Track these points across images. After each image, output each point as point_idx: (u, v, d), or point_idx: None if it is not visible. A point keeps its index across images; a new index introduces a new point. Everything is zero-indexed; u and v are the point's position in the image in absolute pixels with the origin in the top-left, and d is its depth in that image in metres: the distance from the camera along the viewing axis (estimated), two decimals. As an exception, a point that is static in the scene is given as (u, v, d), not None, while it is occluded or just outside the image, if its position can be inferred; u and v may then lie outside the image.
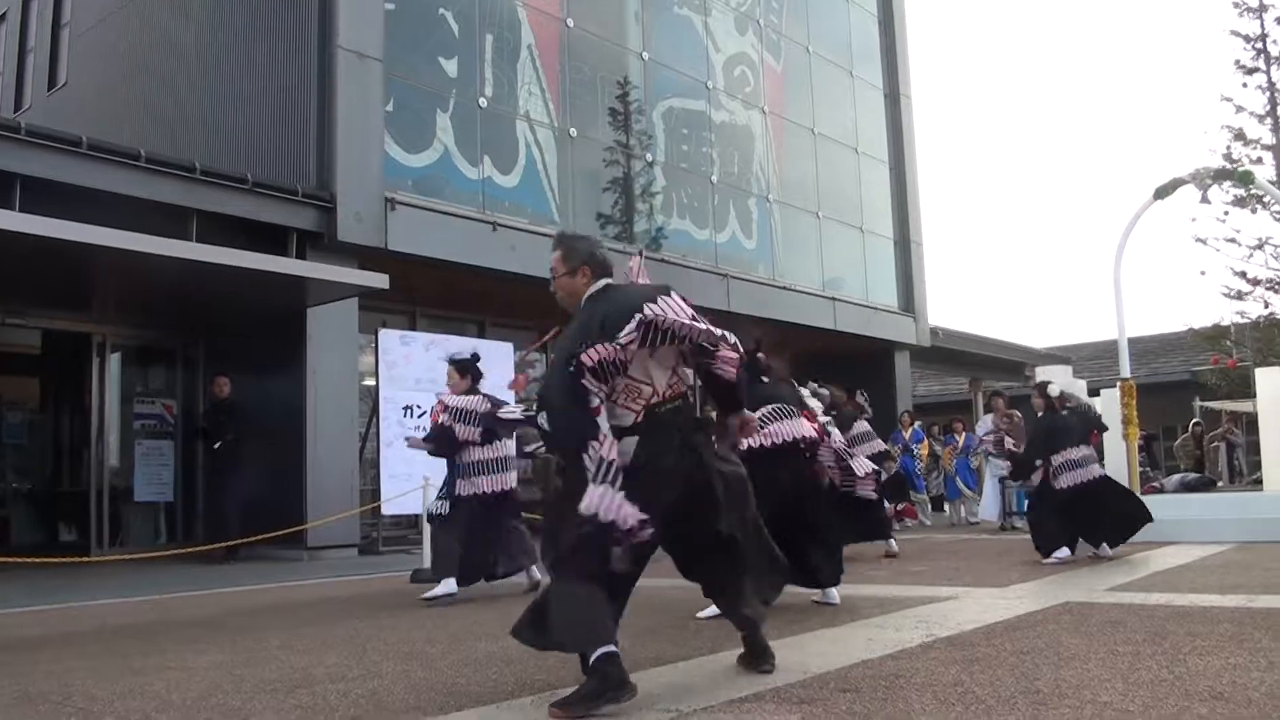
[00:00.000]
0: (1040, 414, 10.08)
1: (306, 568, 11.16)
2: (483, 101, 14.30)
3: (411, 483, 10.91)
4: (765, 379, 6.80)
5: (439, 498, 8.16)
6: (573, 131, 15.60)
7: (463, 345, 13.17)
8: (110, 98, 16.41)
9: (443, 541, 7.92)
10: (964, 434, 17.48)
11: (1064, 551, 9.34)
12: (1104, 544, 9.61)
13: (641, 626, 4.52)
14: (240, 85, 13.78)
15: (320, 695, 4.24)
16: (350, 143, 12.51)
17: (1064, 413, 9.93)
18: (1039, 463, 9.83)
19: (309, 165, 12.55)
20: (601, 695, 3.71)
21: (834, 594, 6.76)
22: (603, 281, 4.22)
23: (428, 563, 9.25)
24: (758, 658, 4.41)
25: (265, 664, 5.08)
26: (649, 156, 16.94)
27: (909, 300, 22.63)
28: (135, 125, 14.92)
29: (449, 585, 7.64)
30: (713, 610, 5.77)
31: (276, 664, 5.07)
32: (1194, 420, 22.03)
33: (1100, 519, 9.60)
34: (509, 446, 8.11)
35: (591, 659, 3.78)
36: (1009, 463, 11.25)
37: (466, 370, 8.15)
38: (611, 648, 3.79)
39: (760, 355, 6.82)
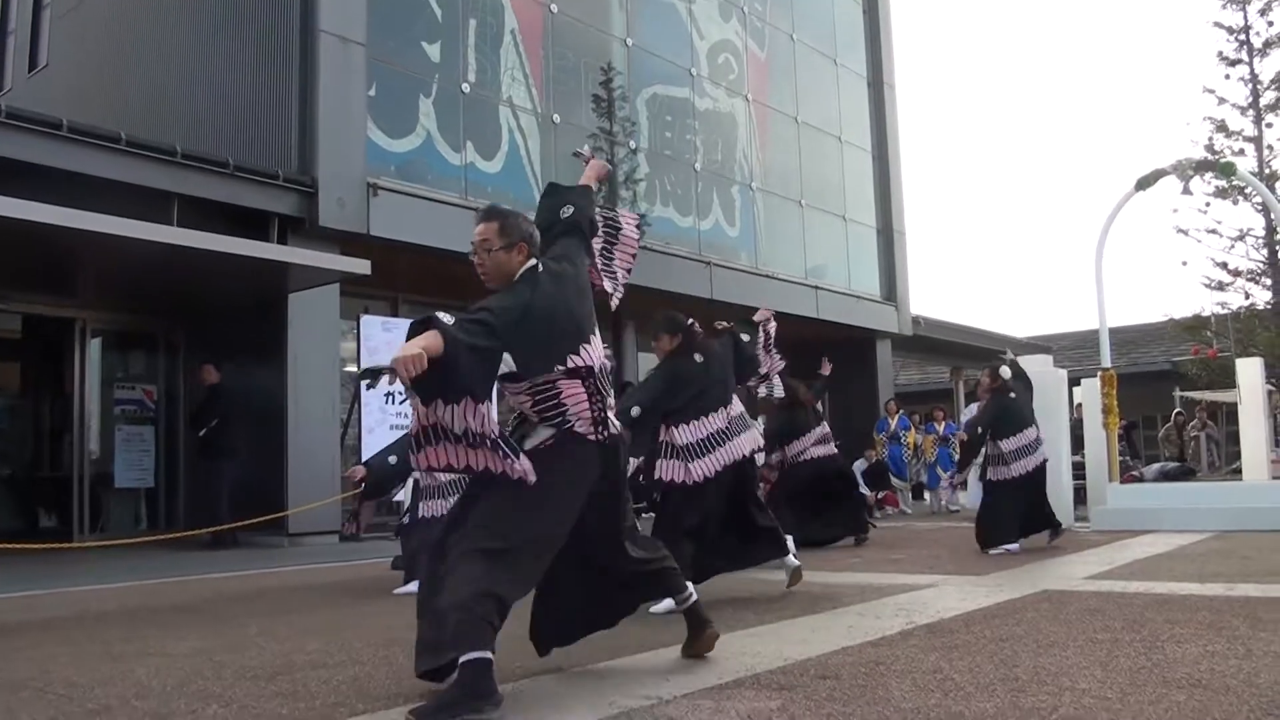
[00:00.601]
0: (988, 396, 10.04)
1: (287, 554, 11.14)
2: (466, 87, 14.25)
3: (393, 469, 10.88)
4: (698, 356, 6.76)
5: (406, 510, 8.10)
6: (556, 118, 15.57)
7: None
8: (91, 80, 16.31)
9: (412, 544, 7.90)
10: (944, 422, 17.55)
11: (1013, 545, 9.37)
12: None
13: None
14: (222, 69, 13.70)
15: (301, 682, 4.24)
16: (332, 127, 12.45)
17: (1011, 396, 9.86)
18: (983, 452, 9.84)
19: (291, 150, 12.49)
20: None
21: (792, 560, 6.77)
22: (532, 261, 4.02)
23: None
24: (699, 628, 4.45)
25: (246, 650, 5.07)
26: (632, 143, 16.92)
27: (891, 289, 22.68)
28: (116, 108, 14.83)
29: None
30: (667, 604, 5.81)
31: (257, 650, 5.06)
32: (1175, 410, 22.16)
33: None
34: None
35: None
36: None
37: None
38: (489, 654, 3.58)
39: (694, 326, 6.78)
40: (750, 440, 6.74)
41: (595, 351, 4.02)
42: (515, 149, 14.92)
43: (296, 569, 9.68)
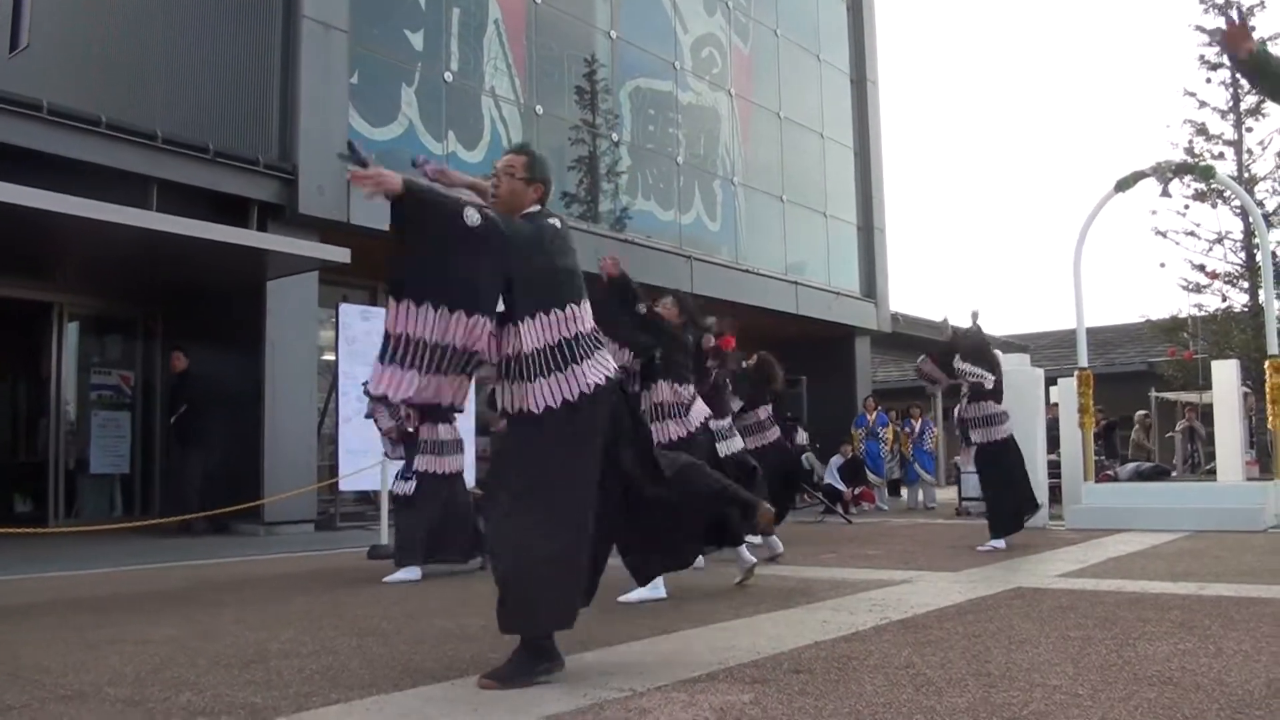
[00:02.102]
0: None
1: (263, 542, 11.11)
2: (448, 76, 14.21)
3: (369, 459, 10.87)
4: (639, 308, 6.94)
5: (401, 477, 8.13)
6: (539, 109, 15.54)
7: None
8: (72, 62, 16.20)
9: (407, 525, 7.90)
10: (920, 419, 17.63)
11: (1000, 542, 9.43)
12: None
13: (596, 606, 4.54)
14: (204, 54, 13.63)
15: (274, 671, 4.23)
16: (313, 114, 12.40)
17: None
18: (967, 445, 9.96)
19: (271, 136, 12.44)
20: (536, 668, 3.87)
21: (747, 555, 6.85)
22: (540, 207, 4.22)
23: (385, 539, 9.24)
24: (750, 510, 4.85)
25: (220, 638, 5.06)
26: (615, 136, 16.90)
27: (871, 286, 22.74)
28: (97, 91, 14.73)
29: (412, 573, 7.62)
30: (637, 594, 5.84)
31: (231, 639, 5.05)
32: (1141, 412, 22.26)
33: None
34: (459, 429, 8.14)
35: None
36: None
37: None
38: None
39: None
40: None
41: (589, 313, 4.13)
42: (497, 139, 14.88)
43: (272, 557, 9.65)
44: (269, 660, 4.46)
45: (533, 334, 3.96)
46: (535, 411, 3.95)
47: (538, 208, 4.18)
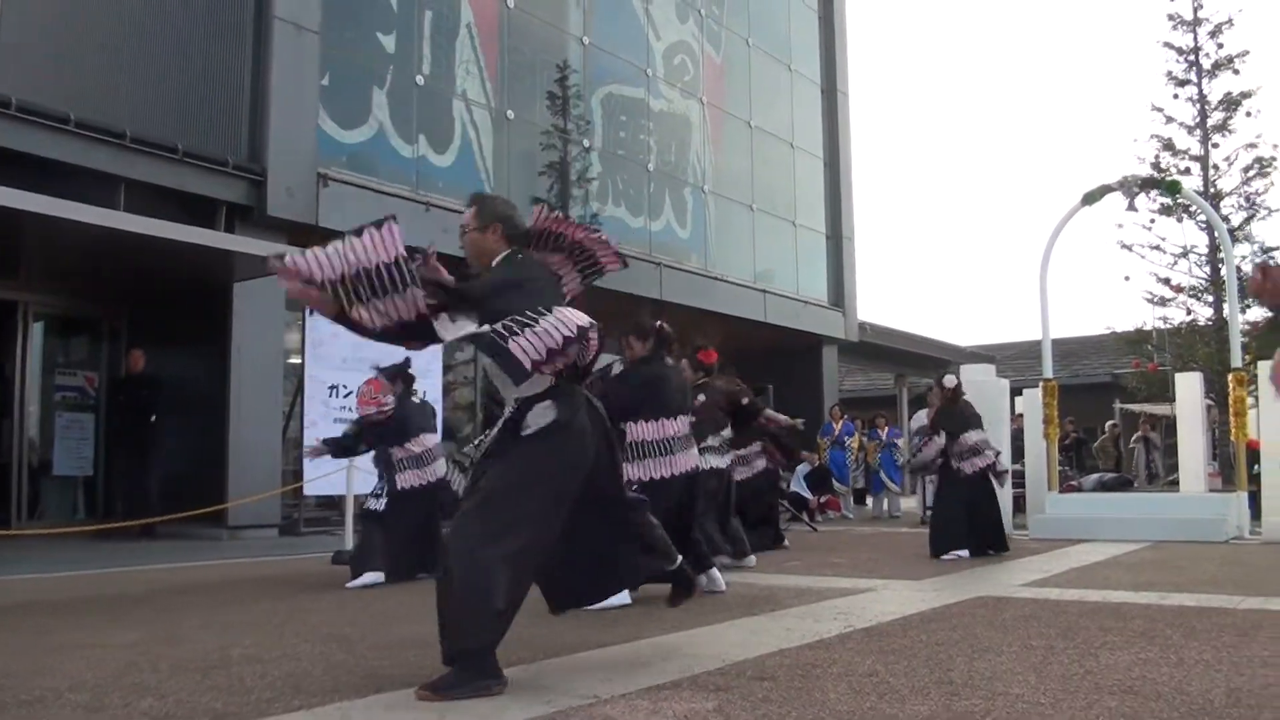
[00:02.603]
0: (939, 405, 10.18)
1: (226, 547, 11.03)
2: (420, 79, 14.18)
3: (334, 464, 10.80)
4: (669, 360, 6.92)
5: (374, 495, 8.19)
6: (510, 113, 15.52)
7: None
8: (40, 59, 16.02)
9: (372, 538, 7.90)
10: (887, 429, 17.70)
11: (963, 551, 9.48)
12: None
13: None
14: (173, 52, 13.51)
15: (237, 676, 4.21)
16: (283, 115, 12.33)
17: (961, 403, 10.03)
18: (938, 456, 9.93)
19: (241, 137, 12.36)
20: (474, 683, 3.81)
21: (718, 579, 6.88)
22: (514, 248, 4.36)
23: (349, 544, 9.20)
24: (688, 585, 4.68)
25: (182, 644, 5.02)
26: (586, 142, 16.91)
27: (839, 295, 22.82)
28: (66, 89, 14.55)
29: (376, 576, 7.61)
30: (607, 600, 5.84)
31: (194, 644, 5.01)
32: (1110, 422, 22.47)
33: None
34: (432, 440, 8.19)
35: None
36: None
37: (395, 377, 8.31)
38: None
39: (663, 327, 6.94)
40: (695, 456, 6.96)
41: None
42: (468, 143, 14.86)
43: (236, 562, 9.59)
44: (231, 666, 4.43)
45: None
46: (522, 432, 4.08)
47: (506, 249, 4.35)
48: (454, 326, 4.14)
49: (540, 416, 4.06)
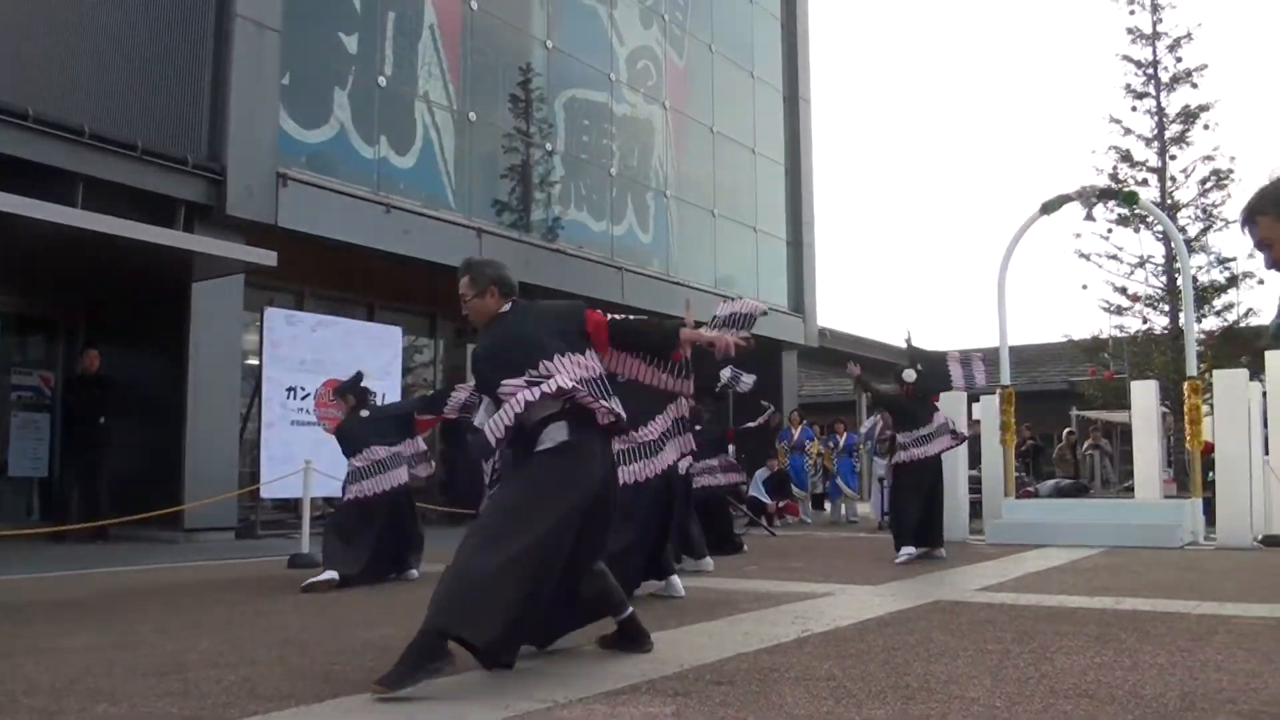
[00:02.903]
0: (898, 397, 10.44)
1: (182, 550, 10.90)
2: (382, 80, 14.10)
3: (291, 466, 10.73)
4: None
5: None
6: (472, 116, 15.47)
7: (352, 328, 13.03)
8: (-2, 53, 15.84)
9: (333, 538, 7.94)
10: (845, 434, 17.79)
11: (909, 550, 9.60)
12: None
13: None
14: (134, 49, 13.38)
15: (192, 681, 4.17)
16: (243, 114, 12.23)
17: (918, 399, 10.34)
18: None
19: (201, 135, 12.24)
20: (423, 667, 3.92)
21: (678, 585, 6.93)
22: (510, 301, 4.68)
23: (306, 547, 9.15)
24: (640, 639, 4.71)
25: (138, 648, 4.97)
26: (549, 145, 16.88)
27: (799, 301, 22.91)
28: (23, 84, 14.39)
29: (331, 574, 7.59)
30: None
31: (149, 648, 4.97)
32: (1068, 429, 22.69)
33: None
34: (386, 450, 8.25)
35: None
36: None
37: (347, 393, 8.52)
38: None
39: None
40: (673, 452, 7.01)
41: (565, 366, 4.39)
42: (430, 145, 14.80)
43: (192, 565, 9.49)
44: (187, 671, 4.39)
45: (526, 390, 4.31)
46: (536, 448, 4.34)
47: (506, 305, 4.67)
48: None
49: (554, 435, 4.31)
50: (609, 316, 4.60)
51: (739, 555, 10.48)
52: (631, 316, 4.81)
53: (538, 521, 4.16)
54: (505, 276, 4.73)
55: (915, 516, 9.80)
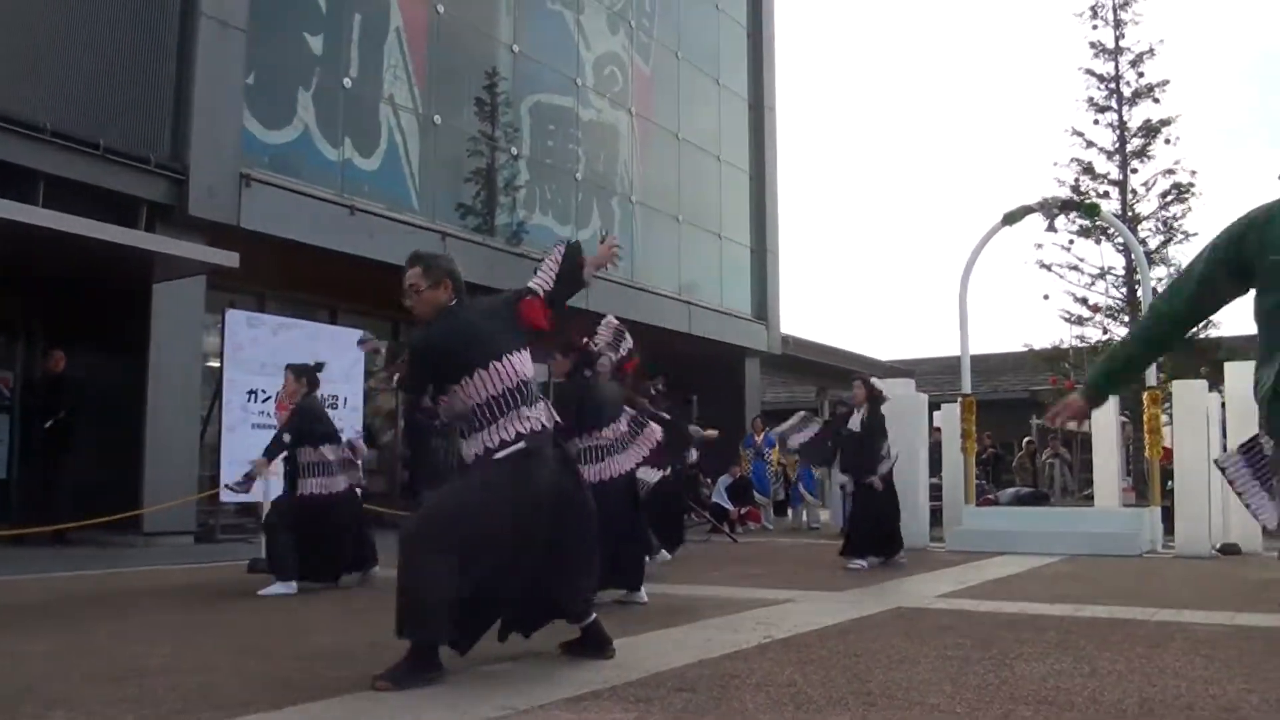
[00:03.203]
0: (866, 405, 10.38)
1: (141, 554, 10.78)
2: (347, 82, 14.03)
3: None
4: (588, 372, 7.06)
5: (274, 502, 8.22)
6: (437, 119, 15.42)
7: (314, 331, 12.94)
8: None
9: (280, 542, 7.80)
10: (763, 432, 17.38)
11: (861, 561, 9.67)
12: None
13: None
14: (96, 45, 13.19)
15: (149, 688, 4.13)
16: (207, 113, 12.13)
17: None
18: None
19: (163, 134, 12.13)
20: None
21: (640, 592, 6.97)
22: (458, 300, 4.70)
23: (265, 552, 9.07)
24: (603, 644, 4.72)
25: (95, 654, 4.92)
26: (514, 150, 16.85)
27: (763, 308, 22.97)
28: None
29: (289, 587, 7.53)
30: None
31: (106, 654, 4.92)
32: (1027, 438, 22.86)
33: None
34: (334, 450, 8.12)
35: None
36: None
37: (302, 375, 8.30)
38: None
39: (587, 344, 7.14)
40: (633, 457, 7.05)
41: (507, 367, 4.48)
42: (394, 148, 14.74)
43: (151, 569, 9.40)
44: (145, 677, 4.34)
45: (468, 392, 4.46)
46: (468, 459, 4.49)
47: (454, 300, 4.66)
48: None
49: (511, 443, 4.39)
50: (539, 294, 4.68)
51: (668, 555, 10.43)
52: (545, 278, 4.79)
53: (478, 520, 4.26)
54: (458, 271, 4.77)
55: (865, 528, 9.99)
